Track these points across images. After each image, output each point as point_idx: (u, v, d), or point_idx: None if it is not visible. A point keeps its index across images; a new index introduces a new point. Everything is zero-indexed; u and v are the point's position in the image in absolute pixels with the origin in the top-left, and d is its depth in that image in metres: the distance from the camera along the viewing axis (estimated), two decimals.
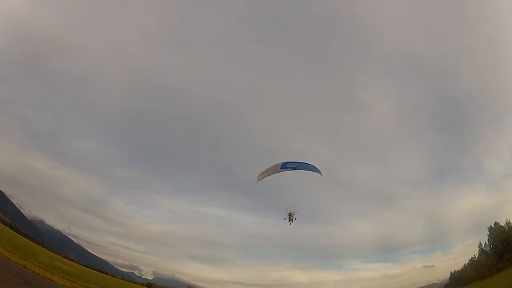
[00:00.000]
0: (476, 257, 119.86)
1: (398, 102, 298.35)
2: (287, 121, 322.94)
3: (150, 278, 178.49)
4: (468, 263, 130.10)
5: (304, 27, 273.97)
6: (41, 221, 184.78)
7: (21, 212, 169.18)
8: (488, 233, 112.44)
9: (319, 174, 30.66)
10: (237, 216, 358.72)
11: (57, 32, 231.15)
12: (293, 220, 37.24)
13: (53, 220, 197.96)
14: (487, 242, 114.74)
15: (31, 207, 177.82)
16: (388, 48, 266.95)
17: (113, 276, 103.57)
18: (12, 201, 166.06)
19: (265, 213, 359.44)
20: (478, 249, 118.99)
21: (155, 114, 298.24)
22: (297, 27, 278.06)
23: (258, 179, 31.37)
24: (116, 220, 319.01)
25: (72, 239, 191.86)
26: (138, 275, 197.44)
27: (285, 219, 37.46)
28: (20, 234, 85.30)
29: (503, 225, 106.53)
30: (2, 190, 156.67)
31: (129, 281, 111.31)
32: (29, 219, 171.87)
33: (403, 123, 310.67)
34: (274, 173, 30.26)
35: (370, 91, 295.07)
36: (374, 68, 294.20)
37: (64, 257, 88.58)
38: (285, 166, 30.06)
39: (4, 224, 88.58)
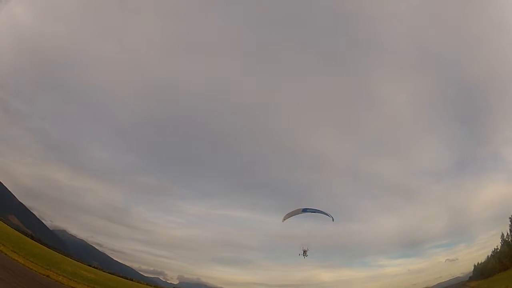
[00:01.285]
0: (499, 248, 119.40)
1: (413, 94, 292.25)
2: (304, 120, 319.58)
3: (176, 283, 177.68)
4: (491, 254, 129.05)
5: (313, 25, 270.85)
6: (64, 231, 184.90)
7: (43, 223, 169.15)
8: (510, 223, 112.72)
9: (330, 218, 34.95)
10: (260, 217, 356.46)
11: (68, 42, 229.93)
12: (307, 255, 43.64)
13: (76, 229, 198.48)
14: (509, 233, 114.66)
15: (53, 218, 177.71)
16: (399, 41, 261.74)
17: (138, 282, 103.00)
18: (34, 213, 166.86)
19: (286, 213, 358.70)
20: (500, 240, 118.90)
21: (172, 121, 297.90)
22: (307, 25, 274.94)
23: (284, 219, 35.18)
24: (140, 227, 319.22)
25: (96, 247, 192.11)
26: (163, 280, 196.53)
27: (299, 254, 43.76)
28: (42, 244, 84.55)
29: None
30: (23, 203, 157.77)
31: (154, 286, 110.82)
32: (51, 229, 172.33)
33: (420, 115, 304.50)
34: (296, 215, 33.63)
35: (384, 85, 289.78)
36: (387, 62, 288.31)
37: (88, 265, 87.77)
38: (305, 210, 33.82)
39: (26, 236, 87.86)
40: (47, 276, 25.16)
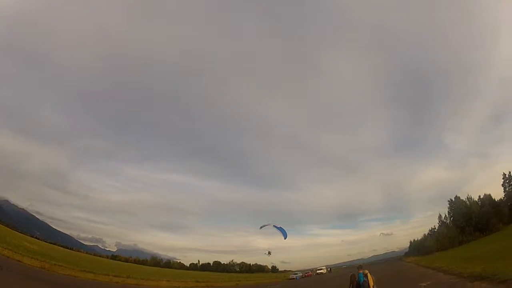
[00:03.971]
0: (436, 228, 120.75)
1: (363, 73, 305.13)
2: (251, 89, 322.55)
3: (114, 250, 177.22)
4: (428, 233, 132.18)
5: None
6: (7, 201, 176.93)
7: None
8: (449, 205, 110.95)
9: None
10: (200, 183, 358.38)
11: (25, 2, 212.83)
12: (270, 254, 46.26)
13: (17, 198, 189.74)
14: (447, 215, 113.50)
15: None
16: (353, 18, 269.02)
17: (78, 251, 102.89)
18: None
19: (227, 179, 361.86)
20: (438, 220, 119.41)
21: (118, 84, 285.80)
22: None
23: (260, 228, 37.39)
24: (78, 192, 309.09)
25: (36, 216, 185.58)
26: (102, 247, 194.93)
27: (264, 254, 46.23)
28: None
29: (464, 199, 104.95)
30: None
31: (94, 255, 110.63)
32: None
33: (368, 94, 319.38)
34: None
35: (335, 61, 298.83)
36: (339, 38, 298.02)
37: (30, 236, 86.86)
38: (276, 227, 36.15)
39: None
40: None
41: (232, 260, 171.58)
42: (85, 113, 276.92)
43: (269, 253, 45.35)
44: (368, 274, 12.45)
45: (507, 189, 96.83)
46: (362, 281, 12.40)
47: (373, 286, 12.24)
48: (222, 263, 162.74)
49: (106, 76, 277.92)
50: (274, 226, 34.26)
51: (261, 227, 35.57)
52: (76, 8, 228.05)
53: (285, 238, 37.04)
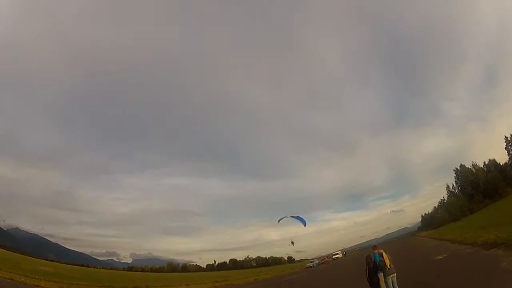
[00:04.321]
0: (446, 199, 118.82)
1: (349, 47, 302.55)
2: (238, 77, 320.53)
3: (129, 261, 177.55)
4: (438, 205, 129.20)
5: None
6: (17, 228, 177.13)
7: None
8: (455, 175, 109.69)
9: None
10: (202, 182, 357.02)
11: None
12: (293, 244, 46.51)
13: (27, 223, 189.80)
14: (454, 184, 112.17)
15: (4, 217, 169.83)
16: None
17: (94, 267, 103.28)
18: None
19: (229, 175, 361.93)
20: (446, 191, 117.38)
21: (103, 94, 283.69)
22: None
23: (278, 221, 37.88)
24: (86, 209, 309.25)
25: (49, 239, 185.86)
26: (117, 260, 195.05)
27: (289, 245, 46.27)
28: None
29: (469, 167, 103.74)
30: None
31: (111, 269, 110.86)
32: (5, 229, 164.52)
33: (355, 69, 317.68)
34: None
35: (318, 38, 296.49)
36: (321, 14, 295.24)
37: (45, 259, 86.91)
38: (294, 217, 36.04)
39: None
40: (11, 279, 26.70)
41: (248, 256, 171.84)
42: (77, 129, 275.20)
43: (293, 243, 45.47)
44: (384, 253, 12.29)
45: (510, 151, 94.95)
46: (378, 261, 12.29)
47: (389, 265, 12.07)
48: (238, 260, 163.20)
49: (90, 87, 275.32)
50: (291, 216, 34.26)
51: (279, 221, 35.62)
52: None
53: (305, 226, 37.44)
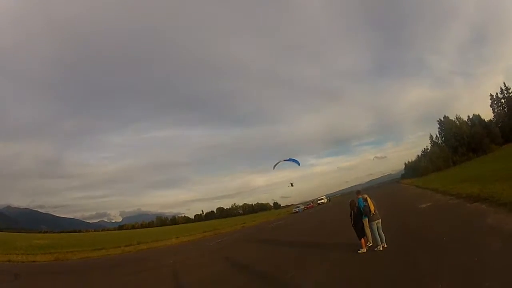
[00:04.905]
0: (429, 148, 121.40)
1: None
2: (220, 29, 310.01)
3: (120, 220, 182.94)
4: (421, 154, 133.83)
5: None
6: (9, 206, 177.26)
7: None
8: (438, 126, 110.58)
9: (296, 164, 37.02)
10: (186, 132, 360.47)
11: None
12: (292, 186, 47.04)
13: (19, 199, 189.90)
14: (438, 135, 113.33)
15: None
16: None
17: (86, 231, 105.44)
18: None
19: (213, 124, 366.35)
20: (429, 141, 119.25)
21: (82, 52, 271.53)
22: None
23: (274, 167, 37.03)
24: (74, 173, 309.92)
25: (40, 210, 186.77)
26: (108, 221, 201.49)
27: (288, 186, 47.72)
28: None
29: (453, 119, 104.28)
30: None
31: (102, 230, 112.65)
32: None
33: (338, 18, 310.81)
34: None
35: None
36: None
37: (39, 232, 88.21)
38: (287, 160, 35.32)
39: None
40: (9, 261, 27.53)
41: (234, 204, 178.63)
42: (61, 95, 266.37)
43: (292, 184, 46.42)
44: (368, 198, 12.22)
45: (495, 109, 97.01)
46: (362, 206, 12.24)
47: (374, 210, 12.03)
48: (225, 208, 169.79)
49: (71, 53, 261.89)
50: (284, 160, 35.38)
51: (274, 167, 36.37)
52: None
53: (299, 165, 38.48)
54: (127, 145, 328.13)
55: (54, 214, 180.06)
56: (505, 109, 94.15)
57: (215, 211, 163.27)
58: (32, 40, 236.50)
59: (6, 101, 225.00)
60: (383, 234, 12.05)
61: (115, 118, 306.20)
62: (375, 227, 11.95)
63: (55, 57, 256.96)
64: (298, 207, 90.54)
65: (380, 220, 12.13)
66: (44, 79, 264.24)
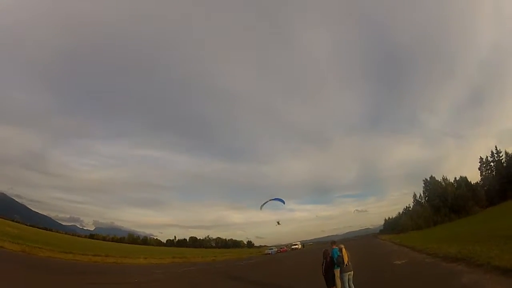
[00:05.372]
0: (411, 207, 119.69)
1: (337, 46, 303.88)
2: (222, 59, 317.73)
3: (92, 229, 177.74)
4: (403, 211, 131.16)
5: None
6: None
7: None
8: (424, 185, 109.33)
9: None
10: (174, 157, 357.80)
11: None
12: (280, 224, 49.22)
13: None
14: (422, 194, 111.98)
15: None
16: None
17: (57, 232, 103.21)
18: None
19: (200, 153, 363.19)
20: (413, 199, 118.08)
21: (87, 58, 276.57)
22: None
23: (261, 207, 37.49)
24: (56, 172, 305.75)
25: (16, 199, 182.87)
26: (80, 227, 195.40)
27: (276, 225, 49.53)
28: None
29: (439, 180, 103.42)
30: None
31: (73, 235, 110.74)
32: None
33: (341, 68, 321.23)
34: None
35: (308, 34, 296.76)
36: (312, 12, 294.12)
37: (11, 220, 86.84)
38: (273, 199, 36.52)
39: None
40: None
41: (208, 236, 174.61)
42: (56, 91, 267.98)
43: (278, 223, 47.53)
44: (343, 249, 12.07)
45: (484, 172, 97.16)
46: (336, 256, 12.06)
47: (348, 262, 11.88)
48: (198, 238, 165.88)
49: (72, 52, 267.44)
50: (271, 200, 35.64)
51: (261, 207, 36.39)
52: None
53: (284, 204, 38.42)
54: (113, 157, 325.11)
55: (29, 207, 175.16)
56: (493, 173, 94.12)
57: (187, 240, 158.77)
58: (38, 28, 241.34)
59: (4, 84, 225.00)
60: (353, 286, 11.96)
61: (107, 128, 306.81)
62: (346, 278, 11.83)
63: (63, 52, 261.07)
64: (272, 249, 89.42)
65: (352, 272, 12.02)
66: (45, 69, 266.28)
